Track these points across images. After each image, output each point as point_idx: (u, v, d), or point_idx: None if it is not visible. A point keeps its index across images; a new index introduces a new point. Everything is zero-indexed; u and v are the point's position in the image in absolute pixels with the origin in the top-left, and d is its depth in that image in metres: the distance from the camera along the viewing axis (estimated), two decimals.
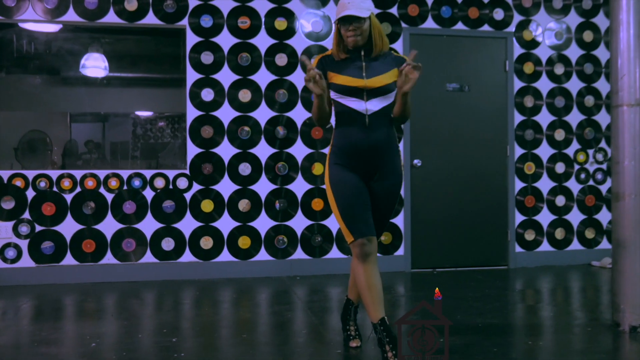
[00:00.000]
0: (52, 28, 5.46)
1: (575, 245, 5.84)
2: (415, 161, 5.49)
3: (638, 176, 3.27)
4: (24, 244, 4.92)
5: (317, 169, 5.32)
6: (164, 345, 3.15)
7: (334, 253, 5.34)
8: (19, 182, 4.92)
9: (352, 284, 2.99)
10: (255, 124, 5.25)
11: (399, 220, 5.48)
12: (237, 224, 5.21)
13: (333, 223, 5.32)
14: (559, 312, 3.87)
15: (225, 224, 5.20)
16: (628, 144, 3.30)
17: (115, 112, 7.74)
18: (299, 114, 5.30)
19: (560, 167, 5.79)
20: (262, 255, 5.25)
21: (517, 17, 5.71)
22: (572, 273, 5.37)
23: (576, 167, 5.83)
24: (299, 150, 5.30)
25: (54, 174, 4.98)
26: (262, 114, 5.25)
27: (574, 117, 5.83)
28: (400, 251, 5.48)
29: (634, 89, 3.28)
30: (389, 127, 2.77)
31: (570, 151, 5.83)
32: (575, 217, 5.84)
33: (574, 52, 5.83)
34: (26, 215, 4.92)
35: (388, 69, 2.76)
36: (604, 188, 5.90)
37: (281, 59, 5.28)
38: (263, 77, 5.25)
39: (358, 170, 2.74)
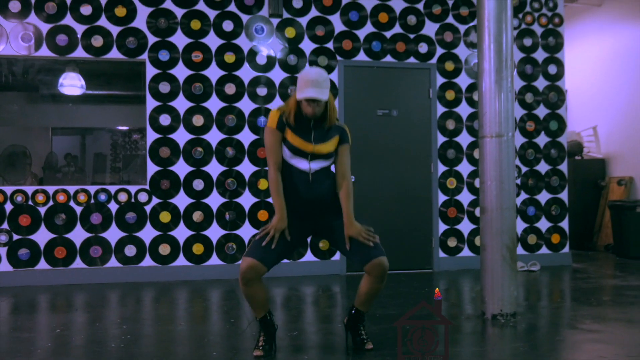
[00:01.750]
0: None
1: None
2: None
3: (497, 194, 4.06)
4: (2, 251, 5.63)
5: (263, 184, 6.08)
6: (116, 331, 3.89)
7: (308, 257, 6.08)
8: None
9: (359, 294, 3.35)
10: (207, 145, 6.00)
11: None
12: (191, 232, 5.96)
13: None
14: (448, 305, 4.65)
15: (181, 232, 5.94)
16: (489, 167, 4.09)
17: (93, 126, 8.44)
18: (246, 137, 6.07)
19: (478, 182, 6.57)
20: (214, 260, 5.99)
21: (440, 50, 6.52)
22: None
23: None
24: (246, 168, 6.06)
25: (30, 189, 5.71)
26: (213, 136, 6.01)
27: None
28: (336, 257, 6.24)
29: (494, 124, 4.07)
30: (329, 180, 3.27)
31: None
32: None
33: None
34: (5, 225, 5.64)
35: (332, 136, 3.25)
36: (518, 200, 6.71)
37: (230, 88, 6.05)
38: (214, 104, 6.02)
39: (302, 221, 3.23)
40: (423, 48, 6.47)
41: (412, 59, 6.45)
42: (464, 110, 6.53)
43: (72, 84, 6.99)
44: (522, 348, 3.44)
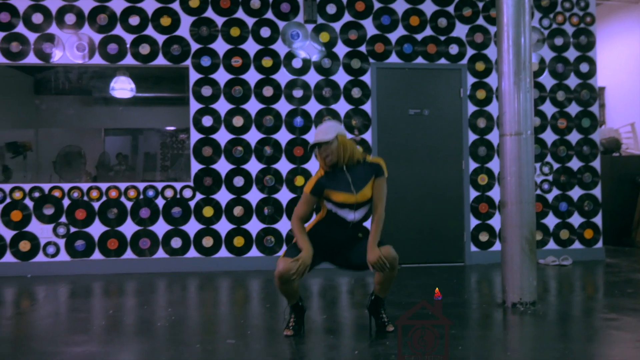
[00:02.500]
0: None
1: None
2: None
3: (516, 189, 4.27)
4: (61, 242, 6.14)
5: (299, 180, 6.41)
6: (163, 313, 4.28)
7: None
8: (57, 193, 6.15)
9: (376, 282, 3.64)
10: (247, 144, 6.37)
11: (368, 223, 6.50)
12: (232, 226, 6.34)
13: None
14: (474, 295, 4.87)
15: (223, 226, 6.33)
16: (509, 164, 4.30)
17: (142, 127, 8.95)
18: (283, 136, 6.41)
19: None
20: (254, 252, 6.35)
21: (470, 51, 6.71)
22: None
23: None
24: (283, 166, 6.41)
25: (85, 186, 6.20)
26: (252, 136, 6.38)
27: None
28: None
29: (513, 123, 4.28)
30: (364, 224, 3.62)
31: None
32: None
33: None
34: (63, 219, 6.15)
35: (368, 179, 3.51)
36: (550, 196, 6.84)
37: (268, 91, 6.40)
38: (253, 106, 6.38)
39: (325, 250, 3.54)
40: (454, 49, 6.68)
41: (443, 60, 6.67)
42: (494, 109, 6.70)
43: (122, 87, 7.43)
44: (536, 333, 3.65)
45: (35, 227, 6.10)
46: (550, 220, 6.82)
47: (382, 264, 3.44)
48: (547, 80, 6.85)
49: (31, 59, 6.18)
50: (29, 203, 6.11)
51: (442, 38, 6.67)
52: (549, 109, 6.84)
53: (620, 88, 8.76)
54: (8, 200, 6.08)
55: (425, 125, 6.63)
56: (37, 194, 6.12)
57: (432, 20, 6.66)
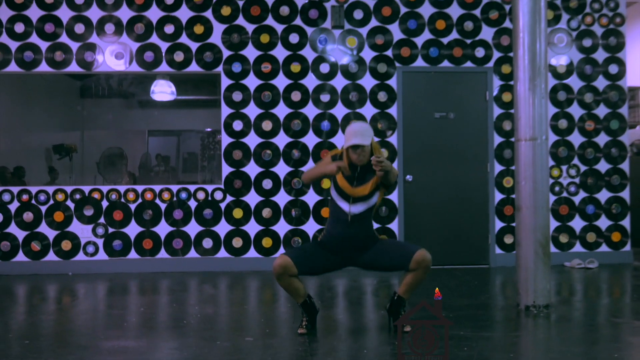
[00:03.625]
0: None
1: (551, 248, 6.77)
2: (408, 177, 6.66)
3: (530, 194, 4.34)
4: (100, 242, 6.49)
5: (326, 183, 6.58)
6: (190, 312, 4.54)
7: None
8: (96, 195, 6.50)
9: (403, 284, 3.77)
10: (276, 148, 6.59)
11: (394, 225, 6.66)
12: (261, 227, 6.57)
13: None
14: (492, 297, 4.96)
15: (252, 227, 6.57)
16: (524, 168, 4.38)
17: (183, 128, 9.29)
18: (310, 140, 6.60)
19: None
20: (282, 253, 6.56)
21: (497, 54, 6.76)
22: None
23: (551, 181, 6.79)
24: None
25: (122, 188, 6.53)
26: (281, 140, 6.59)
27: (549, 138, 6.78)
28: None
29: (528, 128, 4.36)
30: (367, 224, 3.73)
31: None
32: (550, 223, 6.79)
33: (548, 82, 6.79)
34: (101, 220, 6.49)
35: (371, 177, 3.65)
36: (577, 199, 6.83)
37: (296, 96, 6.60)
38: (281, 110, 6.59)
39: (335, 251, 3.72)
40: (480, 52, 6.73)
41: (469, 64, 6.73)
42: None
43: (162, 90, 7.70)
44: (544, 335, 3.74)
45: (76, 227, 6.46)
46: (577, 223, 6.81)
47: (377, 160, 3.49)
48: (574, 82, 6.83)
49: (74, 67, 6.53)
50: (70, 204, 6.47)
51: (468, 41, 6.74)
52: (576, 111, 6.83)
53: None
54: (51, 202, 6.46)
55: (450, 129, 6.71)
56: (78, 196, 6.48)
57: (458, 24, 6.73)
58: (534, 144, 4.34)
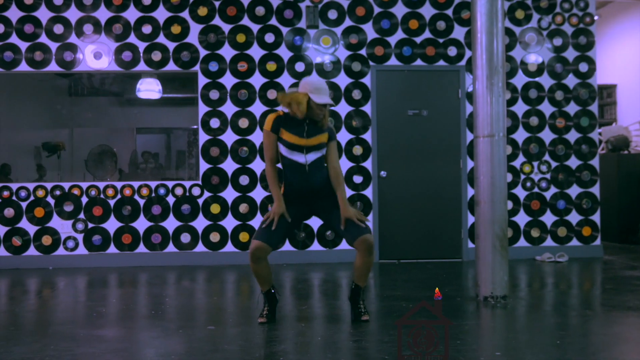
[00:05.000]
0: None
1: (522, 242, 6.95)
2: (382, 173, 6.81)
3: (488, 188, 4.49)
4: (80, 237, 6.62)
5: None
6: (164, 303, 4.68)
7: (315, 246, 6.73)
8: (76, 191, 6.63)
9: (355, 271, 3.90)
10: (252, 145, 6.73)
11: (369, 220, 6.79)
12: (238, 222, 6.71)
13: (314, 222, 6.70)
14: (455, 289, 5.11)
15: (229, 222, 6.71)
16: (482, 164, 4.52)
17: (170, 126, 9.40)
18: None
19: (508, 177, 6.88)
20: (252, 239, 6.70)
21: (469, 53, 6.90)
22: (513, 265, 6.49)
23: (522, 176, 6.95)
24: None
25: (101, 184, 6.66)
26: (257, 137, 6.73)
27: (520, 135, 6.95)
28: None
29: (486, 125, 4.50)
30: (322, 170, 3.89)
31: (516, 163, 6.94)
32: (521, 218, 6.96)
33: (520, 80, 6.96)
34: (81, 215, 6.63)
35: (322, 132, 3.87)
36: (548, 194, 6.98)
37: (272, 94, 6.74)
38: (258, 108, 6.73)
39: (300, 206, 3.90)
40: (452, 51, 6.88)
41: (441, 62, 6.88)
42: None
43: (149, 88, 7.79)
44: (497, 324, 3.89)
45: (56, 223, 6.59)
46: (548, 218, 6.96)
47: (360, 217, 3.83)
48: (545, 80, 6.98)
49: (53, 67, 6.66)
50: (50, 200, 6.61)
51: (441, 40, 6.88)
52: (547, 108, 6.98)
53: (632, 86, 8.78)
54: (32, 198, 6.59)
55: (424, 125, 6.86)
56: (58, 192, 6.61)
57: (431, 24, 6.88)
58: (491, 140, 4.49)
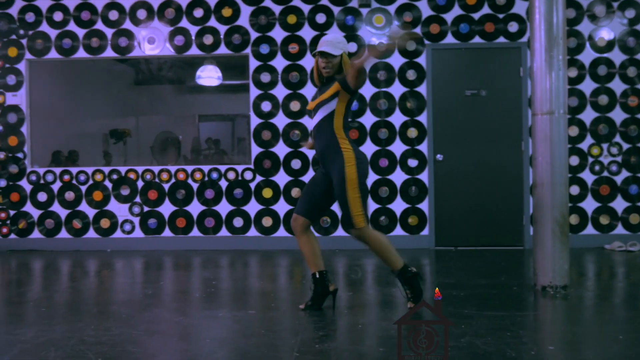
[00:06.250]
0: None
1: (590, 230, 6.53)
2: (438, 156, 6.55)
3: (547, 170, 4.19)
4: (136, 220, 6.73)
5: None
6: (211, 286, 4.66)
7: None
8: (132, 175, 6.73)
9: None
10: (304, 128, 6.62)
11: (424, 205, 6.57)
12: (290, 207, 6.63)
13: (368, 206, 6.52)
14: (511, 278, 4.83)
15: (281, 207, 6.64)
16: (540, 144, 4.22)
17: (232, 113, 9.44)
18: None
19: (574, 160, 6.50)
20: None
21: None
22: (579, 254, 6.09)
23: (590, 159, 6.51)
24: None
25: (156, 169, 6.74)
26: (309, 120, 6.60)
27: (588, 115, 6.51)
28: (425, 231, 6.57)
29: (545, 101, 4.19)
30: (328, 135, 3.60)
31: (584, 145, 6.52)
32: (589, 204, 6.53)
33: (587, 56, 6.50)
34: (137, 199, 6.73)
35: (330, 85, 3.60)
36: (619, 179, 6.51)
37: None
38: (309, 91, 6.60)
39: (322, 167, 3.76)
40: (513, 27, 6.50)
41: (501, 39, 6.52)
42: None
43: (209, 75, 7.80)
44: (555, 316, 3.62)
45: (113, 206, 6.73)
46: (619, 204, 6.50)
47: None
48: (616, 56, 6.49)
49: (109, 53, 6.76)
50: (108, 184, 6.74)
51: (501, 16, 6.52)
52: (618, 86, 6.49)
53: None
54: (91, 182, 6.74)
55: (482, 106, 6.54)
56: (115, 176, 6.74)
57: None
58: (550, 118, 4.18)
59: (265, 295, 4.40)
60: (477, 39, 6.53)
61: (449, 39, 6.55)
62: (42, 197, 6.75)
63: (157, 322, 3.57)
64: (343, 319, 3.61)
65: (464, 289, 4.34)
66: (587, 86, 6.51)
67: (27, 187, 6.76)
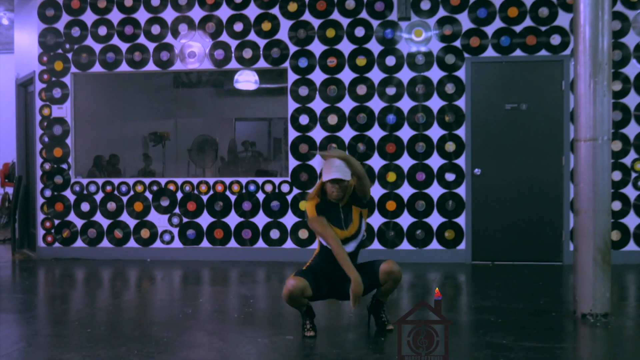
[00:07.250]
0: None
1: (632, 246, 6.39)
2: (476, 170, 6.49)
3: (590, 197, 4.12)
4: (175, 231, 6.86)
5: (391, 176, 6.57)
6: (253, 305, 4.74)
7: (404, 245, 6.56)
8: (172, 187, 6.86)
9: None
10: (341, 142, 6.64)
11: (461, 220, 6.52)
12: None
13: (405, 220, 6.53)
14: (550, 301, 4.76)
15: None
16: (583, 170, 4.15)
17: (268, 116, 9.52)
18: (376, 133, 6.59)
19: (616, 175, 6.36)
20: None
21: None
22: (621, 271, 5.94)
23: (633, 175, 6.37)
24: (376, 162, 6.60)
25: (195, 180, 6.85)
26: (346, 133, 6.63)
27: (632, 130, 6.36)
28: (462, 245, 6.53)
29: (588, 128, 4.12)
30: (356, 260, 3.76)
31: (627, 160, 6.37)
32: (632, 220, 6.39)
33: (632, 69, 6.34)
34: (176, 210, 6.86)
35: (348, 213, 3.70)
36: None
37: (361, 89, 6.60)
38: (347, 104, 6.62)
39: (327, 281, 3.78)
40: (555, 40, 6.39)
41: (543, 52, 6.41)
42: None
43: (246, 79, 7.87)
44: (595, 347, 3.57)
45: (153, 216, 6.88)
46: None
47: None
48: None
49: (150, 67, 6.90)
50: (148, 195, 6.89)
51: (543, 29, 6.41)
52: None
53: None
54: (132, 192, 6.90)
55: (522, 120, 6.45)
56: (155, 188, 6.88)
57: (532, 11, 6.41)
58: (594, 144, 4.11)
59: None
60: (518, 52, 6.44)
61: (489, 52, 6.47)
62: (85, 207, 6.94)
63: (197, 347, 3.66)
64: (382, 337, 3.63)
65: (502, 314, 4.31)
66: (632, 100, 6.36)
67: (71, 197, 6.96)
